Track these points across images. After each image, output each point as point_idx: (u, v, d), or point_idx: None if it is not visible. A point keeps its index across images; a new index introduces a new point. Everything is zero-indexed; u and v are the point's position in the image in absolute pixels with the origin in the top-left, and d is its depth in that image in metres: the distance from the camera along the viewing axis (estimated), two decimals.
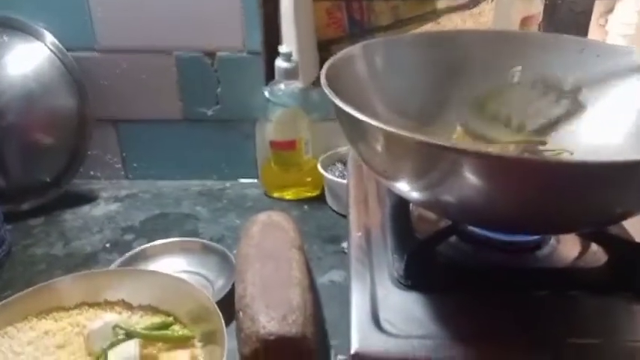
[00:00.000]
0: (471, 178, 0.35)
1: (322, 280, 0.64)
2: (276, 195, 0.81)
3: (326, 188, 0.78)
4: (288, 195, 0.80)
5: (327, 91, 0.43)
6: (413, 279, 0.42)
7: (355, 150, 0.45)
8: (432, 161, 0.36)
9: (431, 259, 0.44)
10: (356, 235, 0.49)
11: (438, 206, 0.42)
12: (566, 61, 0.55)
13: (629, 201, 0.36)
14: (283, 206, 0.78)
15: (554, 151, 0.51)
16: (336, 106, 0.41)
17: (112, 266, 0.62)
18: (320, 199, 0.79)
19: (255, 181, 0.84)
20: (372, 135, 0.39)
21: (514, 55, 0.57)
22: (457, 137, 0.55)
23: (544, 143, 0.53)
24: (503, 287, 0.43)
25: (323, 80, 0.45)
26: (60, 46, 0.76)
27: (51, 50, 0.76)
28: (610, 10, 1.85)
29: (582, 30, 0.79)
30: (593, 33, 1.89)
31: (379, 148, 0.39)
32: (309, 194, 0.80)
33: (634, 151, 0.47)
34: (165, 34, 0.75)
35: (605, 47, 0.54)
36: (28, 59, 0.75)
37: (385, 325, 0.39)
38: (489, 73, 0.56)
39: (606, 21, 1.88)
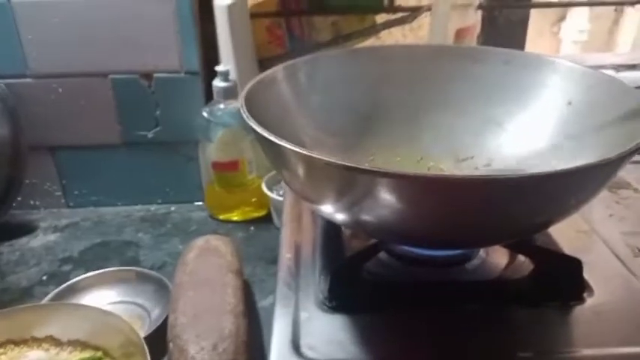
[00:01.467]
0: (383, 198, 0.34)
1: (264, 303, 0.63)
2: (222, 217, 0.79)
3: (272, 208, 0.76)
4: (235, 216, 0.79)
5: (243, 113, 0.42)
6: (337, 300, 0.42)
7: (279, 173, 0.44)
8: (345, 183, 0.35)
9: (356, 277, 0.43)
10: (285, 256, 0.48)
11: (360, 227, 0.42)
12: (493, 72, 0.56)
13: (541, 212, 0.36)
14: (229, 228, 0.77)
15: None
16: (253, 130, 0.40)
17: (44, 301, 0.60)
18: (267, 218, 0.78)
19: (201, 203, 0.82)
20: (287, 158, 0.39)
21: (445, 69, 0.57)
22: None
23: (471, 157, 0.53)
24: (432, 303, 0.42)
25: (241, 102, 0.44)
26: None
27: None
28: (562, 18, 1.90)
29: (521, 39, 0.80)
30: (546, 41, 1.93)
31: (297, 171, 0.38)
32: (256, 214, 0.79)
33: (557, 160, 0.47)
34: (100, 56, 0.74)
35: (530, 57, 0.54)
36: None
37: (305, 351, 0.38)
38: (421, 88, 0.56)
39: (559, 28, 1.93)
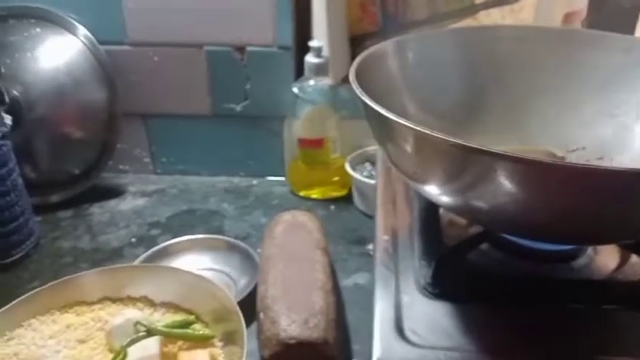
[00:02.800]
0: (505, 184, 0.32)
1: (346, 282, 0.62)
2: (302, 194, 0.79)
3: (353, 188, 0.76)
4: (315, 194, 0.79)
5: (355, 88, 0.41)
6: (440, 287, 0.41)
7: (383, 150, 0.43)
8: (465, 165, 0.34)
9: (460, 267, 0.42)
10: (382, 238, 0.47)
11: (470, 212, 0.40)
12: (612, 61, 0.52)
13: None
14: (309, 205, 0.77)
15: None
16: (364, 104, 0.40)
17: (136, 262, 0.62)
18: (347, 199, 0.78)
19: (283, 179, 0.83)
20: (401, 136, 0.37)
21: (556, 54, 0.54)
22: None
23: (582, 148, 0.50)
24: (535, 299, 0.41)
25: (352, 77, 0.43)
26: (92, 39, 0.76)
27: (83, 43, 0.76)
28: None
29: (631, 26, 0.75)
30: None
31: (409, 149, 0.37)
32: (336, 194, 0.79)
33: None
34: (196, 28, 0.75)
35: None
36: (61, 52, 0.76)
37: (409, 335, 0.37)
38: (529, 73, 0.53)
39: None
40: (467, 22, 0.75)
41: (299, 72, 0.75)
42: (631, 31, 0.76)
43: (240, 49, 0.75)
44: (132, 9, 0.74)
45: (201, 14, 0.74)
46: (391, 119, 0.36)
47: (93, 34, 0.76)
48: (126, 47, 0.77)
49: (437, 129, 0.50)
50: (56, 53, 0.76)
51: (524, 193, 0.33)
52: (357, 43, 0.79)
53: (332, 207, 0.77)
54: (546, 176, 0.31)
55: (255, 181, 0.84)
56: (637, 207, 0.33)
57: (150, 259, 0.63)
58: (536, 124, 0.53)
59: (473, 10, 0.74)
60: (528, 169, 0.31)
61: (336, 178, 0.78)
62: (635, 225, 0.35)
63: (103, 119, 0.78)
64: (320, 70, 0.72)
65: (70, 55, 0.76)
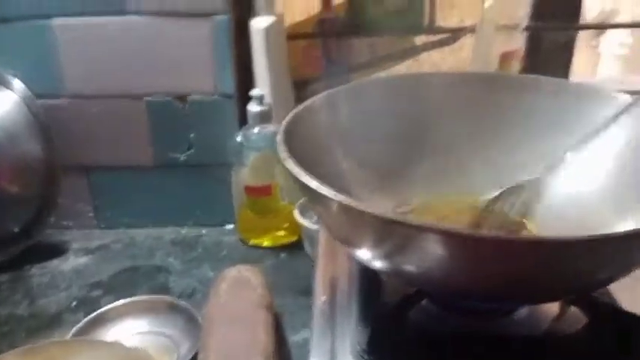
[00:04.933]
0: (428, 252, 0.31)
1: (296, 338, 0.60)
2: (253, 242, 0.77)
3: (303, 235, 0.74)
4: (266, 242, 0.77)
5: (280, 152, 0.40)
6: (376, 354, 0.39)
7: (315, 213, 0.42)
8: (385, 234, 0.33)
9: (397, 330, 0.40)
10: (320, 299, 0.45)
11: (401, 276, 0.39)
12: (544, 103, 0.52)
13: (603, 272, 0.33)
14: (259, 255, 0.75)
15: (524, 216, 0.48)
16: (288, 170, 0.38)
17: (72, 331, 0.59)
18: (298, 245, 0.76)
19: (232, 227, 0.81)
20: (325, 203, 0.36)
21: (489, 99, 0.54)
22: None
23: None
24: (476, 357, 0.39)
25: (279, 138, 0.42)
26: (28, 93, 0.74)
27: (19, 97, 0.74)
28: (602, 32, 1.83)
29: (567, 61, 0.76)
30: (584, 55, 1.86)
31: (334, 216, 0.36)
32: (286, 240, 0.77)
33: (608, 208, 0.44)
34: (135, 78, 0.73)
35: (583, 88, 0.51)
36: None
37: None
38: (463, 119, 0.53)
39: (598, 42, 1.86)
40: (408, 64, 0.76)
41: (243, 119, 0.74)
42: (568, 65, 0.77)
43: (182, 98, 0.74)
44: (69, 62, 0.72)
45: (140, 65, 0.72)
46: (313, 189, 0.35)
47: (29, 88, 0.74)
48: (64, 100, 0.75)
49: (373, 182, 0.50)
50: None
51: (446, 260, 0.32)
52: (300, 87, 0.79)
53: (282, 255, 0.75)
54: (462, 246, 0.30)
55: (204, 231, 0.81)
56: (568, 271, 0.32)
57: (88, 326, 0.60)
58: (473, 169, 0.53)
59: (414, 51, 0.75)
60: (444, 239, 0.30)
61: (286, 225, 0.77)
62: (565, 287, 0.34)
63: (40, 173, 0.75)
64: (263, 118, 0.71)
65: (5, 109, 0.73)
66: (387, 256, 0.36)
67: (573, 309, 0.42)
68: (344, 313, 0.44)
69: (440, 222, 0.34)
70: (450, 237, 0.29)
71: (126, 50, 0.71)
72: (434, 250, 0.31)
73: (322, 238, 0.55)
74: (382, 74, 0.72)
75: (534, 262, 0.30)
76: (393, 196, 0.51)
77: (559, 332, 0.41)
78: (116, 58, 0.72)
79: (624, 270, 0.34)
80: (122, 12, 0.69)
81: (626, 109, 0.46)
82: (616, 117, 0.46)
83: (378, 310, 0.42)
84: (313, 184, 0.35)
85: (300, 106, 0.47)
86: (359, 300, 0.44)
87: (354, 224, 0.35)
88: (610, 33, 1.75)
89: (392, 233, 0.32)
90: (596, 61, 1.85)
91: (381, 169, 0.50)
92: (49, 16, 0.70)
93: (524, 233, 0.48)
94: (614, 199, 0.46)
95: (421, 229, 0.30)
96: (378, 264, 0.38)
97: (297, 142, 0.43)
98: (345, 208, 0.33)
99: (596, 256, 0.31)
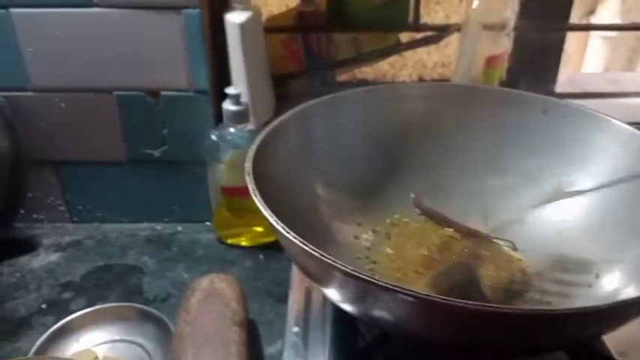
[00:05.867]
0: (387, 308, 0.30)
1: (271, 350, 0.59)
2: (230, 241, 0.76)
3: None
4: (244, 241, 0.75)
5: (249, 183, 0.38)
6: None
7: (284, 249, 0.40)
8: (349, 286, 0.31)
9: None
10: (292, 330, 0.44)
11: (369, 321, 0.37)
12: (530, 121, 0.51)
13: (587, 333, 0.32)
14: (236, 255, 0.73)
15: (504, 241, 0.47)
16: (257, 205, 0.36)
17: (40, 340, 0.57)
18: (278, 245, 0.74)
19: (209, 223, 0.79)
20: (290, 245, 0.34)
21: (474, 113, 0.52)
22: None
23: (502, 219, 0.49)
24: None
25: (247, 168, 0.40)
26: None
27: None
28: (592, 12, 1.79)
29: (555, 62, 0.74)
30: (574, 35, 1.83)
31: (301, 259, 0.34)
32: (265, 239, 0.75)
33: (589, 238, 0.43)
34: (104, 72, 0.69)
35: (571, 108, 0.49)
36: None
37: None
38: (446, 134, 0.51)
39: (588, 21, 1.82)
40: (392, 60, 0.73)
41: (219, 117, 0.71)
42: (556, 65, 0.75)
43: (154, 93, 0.70)
44: (32, 53, 0.68)
45: (109, 57, 0.68)
46: (279, 230, 0.33)
47: None
48: (29, 93, 0.71)
49: (349, 203, 0.48)
50: None
51: (403, 315, 0.30)
52: (281, 82, 0.75)
53: (261, 256, 0.74)
54: (423, 309, 0.28)
55: (180, 227, 0.79)
56: (521, 338, 0.31)
57: (56, 335, 0.58)
58: (457, 189, 0.51)
59: (398, 49, 0.72)
60: (402, 300, 0.28)
61: (265, 224, 0.75)
62: (543, 346, 0.33)
63: (7, 169, 0.72)
64: (240, 118, 0.68)
65: None
66: (351, 303, 0.34)
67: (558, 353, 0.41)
68: (317, 348, 0.43)
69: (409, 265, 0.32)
70: (408, 298, 0.28)
71: (94, 43, 0.67)
72: (394, 306, 0.30)
73: (295, 270, 0.54)
74: (359, 88, 0.69)
75: (504, 331, 0.29)
76: (368, 217, 0.49)
77: None
78: (84, 52, 0.68)
79: (607, 330, 0.33)
80: (89, 4, 0.65)
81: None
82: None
83: (351, 345, 0.41)
84: (280, 226, 0.34)
85: (269, 128, 0.45)
86: (332, 335, 0.43)
87: (319, 270, 0.33)
88: (600, 13, 1.72)
89: (353, 286, 0.30)
90: (585, 41, 1.82)
91: (357, 190, 0.49)
92: (6, 6, 0.65)
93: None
94: (596, 230, 0.45)
95: (379, 288, 0.28)
96: (344, 307, 0.36)
97: (268, 167, 0.41)
98: (309, 255, 0.32)
99: (580, 325, 0.29)
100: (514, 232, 0.48)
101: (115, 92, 0.71)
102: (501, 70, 0.67)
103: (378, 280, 0.28)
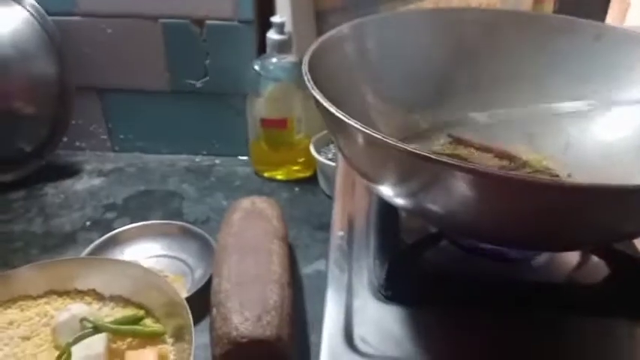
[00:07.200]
0: (456, 192, 0.31)
1: (308, 270, 0.61)
2: (266, 175, 0.77)
3: (318, 171, 0.74)
4: (279, 175, 0.76)
5: (306, 80, 0.39)
6: (394, 289, 0.39)
7: (337, 146, 0.41)
8: (414, 171, 0.32)
9: (415, 267, 0.40)
10: (337, 234, 0.45)
11: (424, 215, 0.38)
12: (581, 48, 0.50)
13: (633, 222, 0.32)
14: (273, 187, 0.75)
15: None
16: (315, 100, 0.37)
17: (87, 250, 0.60)
18: (313, 180, 0.75)
19: (247, 158, 0.80)
20: (351, 135, 0.35)
21: (526, 40, 0.51)
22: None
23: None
24: (492, 302, 0.40)
25: (304, 68, 0.40)
26: (40, 9, 0.71)
27: (30, 13, 0.71)
28: None
29: (602, 7, 0.73)
30: (614, 5, 1.78)
31: (359, 149, 0.35)
32: (301, 175, 0.76)
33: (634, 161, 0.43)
34: None
35: (625, 34, 0.49)
36: (6, 23, 0.70)
37: (359, 344, 0.36)
38: (497, 59, 0.51)
39: None
40: (435, 0, 0.72)
41: (261, 48, 0.71)
42: (604, 9, 0.73)
43: (199, 22, 0.71)
44: None
45: None
46: (340, 118, 0.34)
47: (40, 4, 0.71)
48: (76, 18, 0.72)
49: (396, 118, 0.49)
50: (1, 24, 0.70)
51: (473, 201, 0.31)
52: (322, 18, 0.75)
53: (296, 189, 0.75)
54: (494, 186, 0.29)
55: (217, 160, 0.81)
56: (597, 219, 0.31)
57: (102, 246, 0.60)
58: (500, 111, 0.51)
59: None
60: (476, 179, 0.29)
61: (302, 159, 0.76)
62: (592, 238, 0.33)
63: (53, 93, 0.74)
64: (283, 47, 0.69)
65: (16, 25, 0.71)
66: (411, 194, 0.35)
67: (595, 259, 0.42)
68: (361, 249, 0.44)
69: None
70: (479, 176, 0.29)
71: None
72: (461, 189, 0.30)
73: (340, 173, 0.55)
74: (412, 6, 0.68)
75: (562, 207, 0.29)
76: (415, 136, 0.50)
77: (579, 281, 0.41)
78: None
79: None
80: None
81: None
82: None
83: (396, 247, 0.42)
84: (340, 114, 0.34)
85: (326, 35, 0.45)
86: (377, 237, 0.44)
87: (381, 159, 0.34)
88: None
89: (420, 170, 0.31)
90: (625, 12, 1.77)
91: (405, 108, 0.49)
92: None
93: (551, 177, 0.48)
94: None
95: (450, 167, 0.29)
96: (400, 201, 0.37)
97: (322, 73, 0.41)
98: (372, 141, 0.32)
99: (625, 207, 0.30)
100: (559, 160, 0.48)
101: (161, 20, 0.72)
102: (548, 8, 0.66)
103: (454, 161, 0.28)
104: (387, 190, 0.37)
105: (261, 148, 0.75)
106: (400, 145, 0.30)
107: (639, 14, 1.76)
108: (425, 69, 0.50)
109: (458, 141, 0.52)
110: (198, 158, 0.81)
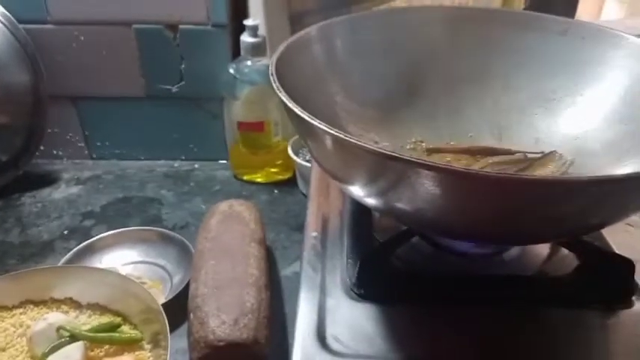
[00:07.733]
0: (421, 189, 0.31)
1: (286, 272, 0.61)
2: (246, 178, 0.77)
3: (297, 172, 0.74)
4: (259, 178, 0.76)
5: (273, 82, 0.39)
6: (366, 288, 0.39)
7: (307, 148, 0.41)
8: (381, 170, 0.32)
9: (387, 265, 0.41)
10: (311, 235, 0.46)
11: (394, 214, 0.39)
12: (548, 43, 0.51)
13: (597, 214, 0.33)
14: (252, 190, 0.75)
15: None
16: (282, 101, 0.37)
17: (65, 258, 0.59)
18: (292, 182, 0.76)
19: (226, 162, 0.80)
20: (318, 136, 0.35)
21: (491, 36, 0.52)
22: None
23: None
24: (465, 298, 0.40)
25: (272, 69, 0.40)
26: (10, 17, 0.71)
27: (1, 22, 0.71)
28: None
29: (572, 2, 0.74)
30: (587, 0, 1.80)
31: (327, 150, 0.35)
32: (280, 177, 0.77)
33: (605, 152, 0.44)
34: (123, 5, 0.70)
35: (591, 29, 0.49)
36: None
37: (331, 343, 0.36)
38: (462, 56, 0.52)
39: None
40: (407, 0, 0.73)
41: (236, 50, 0.71)
42: (573, 4, 0.75)
43: (172, 27, 0.71)
44: None
45: None
46: (306, 120, 0.34)
47: (11, 12, 0.70)
48: (48, 26, 0.72)
49: (366, 118, 0.49)
50: None
51: (438, 198, 0.31)
52: (297, 21, 0.76)
53: (276, 191, 0.75)
54: (458, 184, 0.29)
55: (196, 165, 0.81)
56: (550, 213, 0.32)
57: (79, 254, 0.60)
58: (473, 111, 0.52)
59: None
60: (439, 176, 0.29)
61: (280, 162, 0.76)
62: (558, 229, 0.34)
63: (27, 103, 0.73)
64: (257, 50, 0.69)
65: None
66: (379, 193, 0.35)
67: (564, 252, 0.43)
68: (335, 249, 0.44)
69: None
70: (443, 174, 0.29)
71: None
72: (427, 187, 0.30)
73: (314, 174, 0.55)
74: (384, 6, 0.69)
75: (529, 201, 0.30)
76: (385, 135, 0.50)
77: (549, 273, 0.42)
78: None
79: (618, 214, 0.34)
80: None
81: None
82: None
83: (368, 246, 0.42)
84: (306, 115, 0.34)
85: (294, 37, 0.45)
86: (350, 236, 0.44)
87: (348, 159, 0.34)
88: None
89: (386, 169, 0.31)
90: (600, 5, 1.79)
91: (375, 107, 0.49)
92: None
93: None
94: (611, 143, 0.45)
95: (414, 165, 0.29)
96: (370, 201, 0.37)
97: (290, 74, 0.42)
98: (339, 142, 0.33)
99: (593, 198, 0.30)
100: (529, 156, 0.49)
101: (134, 26, 0.71)
102: (518, 5, 0.67)
103: (418, 159, 0.29)
104: (357, 191, 0.37)
105: (240, 152, 0.75)
106: (366, 145, 0.30)
107: (615, 8, 1.78)
108: (393, 68, 0.50)
109: (432, 150, 0.52)
110: (176, 163, 0.81)
